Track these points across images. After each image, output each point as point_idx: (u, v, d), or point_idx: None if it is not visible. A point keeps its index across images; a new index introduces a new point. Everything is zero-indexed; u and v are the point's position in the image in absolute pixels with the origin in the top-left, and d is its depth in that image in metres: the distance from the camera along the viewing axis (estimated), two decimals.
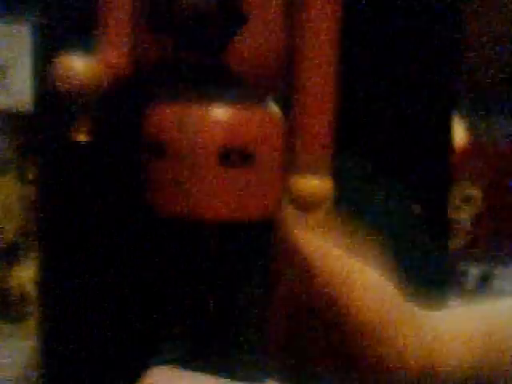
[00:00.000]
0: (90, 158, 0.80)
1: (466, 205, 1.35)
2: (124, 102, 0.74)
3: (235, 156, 0.71)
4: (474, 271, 1.30)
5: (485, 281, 1.31)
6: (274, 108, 0.74)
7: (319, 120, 0.71)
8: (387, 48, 1.10)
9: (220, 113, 0.71)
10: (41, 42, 0.91)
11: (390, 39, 1.09)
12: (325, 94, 0.71)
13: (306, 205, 0.72)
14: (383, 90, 1.11)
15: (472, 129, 1.34)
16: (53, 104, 0.73)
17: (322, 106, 0.71)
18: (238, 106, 0.71)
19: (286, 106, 0.72)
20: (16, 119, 0.92)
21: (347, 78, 0.73)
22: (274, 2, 0.69)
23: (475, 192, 1.36)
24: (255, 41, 0.69)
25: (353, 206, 0.84)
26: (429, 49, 1.12)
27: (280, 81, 0.72)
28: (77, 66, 0.68)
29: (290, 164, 0.72)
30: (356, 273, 0.77)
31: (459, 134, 1.38)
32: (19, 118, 0.91)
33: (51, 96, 0.71)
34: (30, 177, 0.93)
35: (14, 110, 0.90)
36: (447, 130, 1.19)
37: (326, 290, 0.75)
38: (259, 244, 0.76)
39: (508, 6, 1.30)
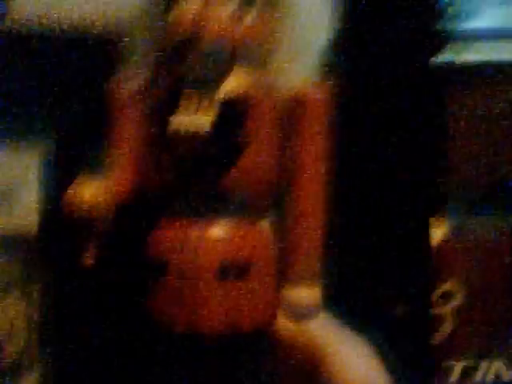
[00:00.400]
0: (95, 281, 0.84)
1: (447, 300, 1.38)
2: (129, 222, 0.80)
3: (233, 270, 0.76)
4: (458, 367, 1.32)
5: (469, 376, 1.34)
6: (267, 225, 0.80)
7: (309, 236, 0.78)
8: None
9: (218, 232, 0.77)
10: (48, 167, 0.97)
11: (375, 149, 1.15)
12: (315, 214, 0.78)
13: (297, 314, 0.77)
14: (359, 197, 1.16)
15: (453, 227, 1.39)
16: (60, 229, 0.77)
17: (312, 224, 0.78)
18: (235, 225, 0.77)
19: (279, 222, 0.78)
20: (21, 241, 0.97)
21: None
22: (269, 131, 0.77)
23: (457, 288, 1.39)
24: (251, 166, 0.76)
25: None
26: (409, 148, 1.17)
27: (273, 200, 0.78)
28: (87, 195, 0.73)
29: (282, 275, 0.78)
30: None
31: (440, 231, 1.43)
32: (24, 240, 0.96)
33: (59, 221, 0.76)
34: (35, 296, 0.97)
35: (20, 233, 0.96)
36: (427, 228, 1.23)
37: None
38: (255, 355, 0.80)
39: (493, 104, 1.36)
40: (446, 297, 1.33)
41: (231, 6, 0.74)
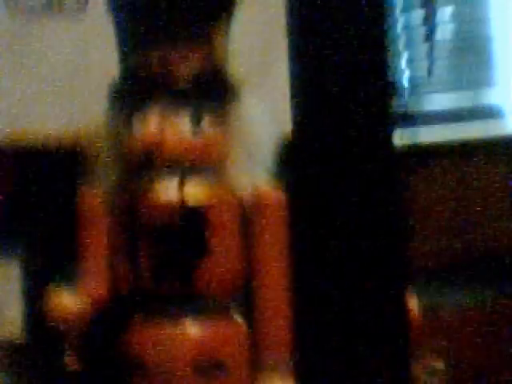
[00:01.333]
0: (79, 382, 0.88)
1: (429, 378, 1.40)
2: (105, 325, 0.84)
3: (207, 366, 0.81)
4: None
5: None
6: (238, 318, 0.85)
7: (277, 328, 0.83)
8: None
9: (191, 329, 0.81)
10: (30, 277, 1.03)
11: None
12: (280, 305, 0.83)
13: None
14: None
15: (428, 303, 1.41)
16: (43, 335, 0.82)
17: (279, 315, 0.83)
18: (206, 322, 0.82)
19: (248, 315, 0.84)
20: (9, 350, 1.01)
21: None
22: (232, 235, 0.83)
23: (438, 365, 1.41)
24: (218, 267, 0.81)
25: None
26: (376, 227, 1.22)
27: (240, 294, 0.84)
28: (64, 301, 0.78)
29: (255, 367, 0.83)
30: None
31: (416, 309, 1.45)
32: (12, 349, 1.00)
33: (41, 328, 0.81)
34: None
35: (7, 341, 1.00)
36: (402, 307, 1.26)
37: None
38: None
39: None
40: (430, 372, 1.37)
41: (183, 125, 0.81)
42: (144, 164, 0.80)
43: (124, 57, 0.84)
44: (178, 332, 0.81)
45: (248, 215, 0.83)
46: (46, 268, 0.99)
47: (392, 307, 1.23)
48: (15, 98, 1.10)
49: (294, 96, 1.10)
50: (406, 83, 1.48)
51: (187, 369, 0.80)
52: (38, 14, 1.12)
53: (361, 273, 1.17)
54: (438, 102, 1.48)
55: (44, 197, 1.05)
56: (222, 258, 0.82)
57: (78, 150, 0.85)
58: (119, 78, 0.85)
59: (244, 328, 0.84)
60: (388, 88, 1.23)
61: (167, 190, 0.80)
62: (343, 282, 1.16)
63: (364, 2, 1.17)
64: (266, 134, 0.85)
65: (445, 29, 1.47)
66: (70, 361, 0.79)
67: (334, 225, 1.14)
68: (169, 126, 0.80)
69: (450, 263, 1.44)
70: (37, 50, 1.11)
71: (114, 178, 0.84)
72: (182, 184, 0.80)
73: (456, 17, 1.48)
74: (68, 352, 0.79)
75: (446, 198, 1.41)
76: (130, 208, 0.81)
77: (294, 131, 1.11)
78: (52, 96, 1.10)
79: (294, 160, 1.00)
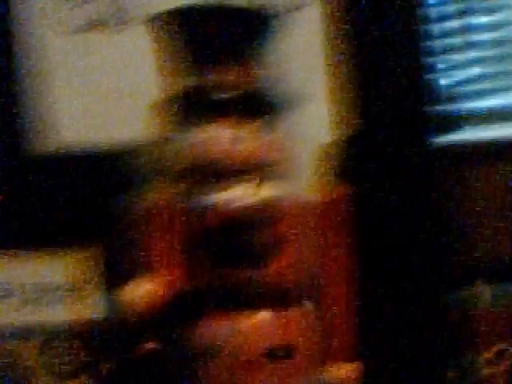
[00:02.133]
0: (156, 365, 0.92)
1: (499, 360, 1.40)
2: (181, 315, 0.88)
3: (280, 352, 0.84)
4: None
5: None
6: (310, 307, 0.88)
7: (344, 316, 0.87)
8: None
9: (264, 318, 0.85)
10: (112, 262, 1.08)
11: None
12: (347, 294, 0.87)
13: None
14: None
15: (492, 292, 1.41)
16: (122, 318, 0.86)
17: (345, 305, 0.87)
18: (279, 311, 0.85)
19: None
20: (89, 326, 1.06)
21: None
22: (302, 230, 0.86)
23: (507, 347, 1.40)
24: (290, 258, 0.85)
25: None
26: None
27: (313, 286, 0.86)
28: (141, 292, 0.82)
29: (324, 352, 0.86)
30: None
31: (485, 299, 1.45)
32: (92, 328, 1.05)
33: (121, 312, 0.84)
34: (104, 373, 1.05)
35: (88, 320, 1.05)
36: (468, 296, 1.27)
37: None
38: None
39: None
40: (499, 356, 1.37)
41: (231, 133, 0.84)
42: (213, 172, 0.84)
43: (172, 74, 0.88)
44: (252, 321, 0.85)
45: (316, 210, 0.87)
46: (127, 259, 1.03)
47: (458, 296, 1.24)
48: (65, 112, 1.16)
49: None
50: (444, 89, 1.48)
51: (260, 355, 0.84)
52: (82, 33, 1.16)
53: (424, 264, 1.19)
54: (476, 105, 1.47)
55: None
56: (294, 250, 0.85)
57: (130, 157, 0.88)
58: (168, 95, 0.88)
59: (314, 315, 0.87)
60: (426, 94, 1.24)
61: (244, 191, 0.84)
62: (407, 272, 1.18)
63: (400, 12, 1.18)
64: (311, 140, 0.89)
65: (482, 36, 1.47)
66: (147, 344, 0.82)
67: (394, 222, 1.17)
68: (235, 136, 0.84)
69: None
70: (84, 66, 1.16)
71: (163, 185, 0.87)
72: (257, 184, 0.84)
73: (493, 25, 1.47)
74: (144, 337, 0.82)
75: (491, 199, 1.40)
76: (204, 208, 0.85)
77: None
78: (101, 110, 1.15)
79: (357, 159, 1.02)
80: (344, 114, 1.16)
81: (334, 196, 0.87)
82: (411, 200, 1.17)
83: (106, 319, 1.05)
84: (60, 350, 1.06)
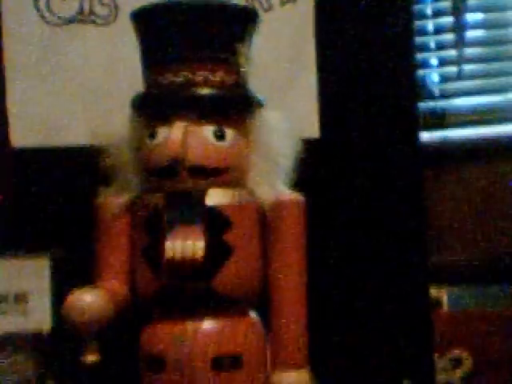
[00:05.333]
0: (99, 375, 0.91)
1: (455, 368, 1.41)
2: (125, 323, 0.87)
3: (226, 361, 0.84)
4: None
5: None
6: (256, 317, 0.88)
7: (294, 324, 0.86)
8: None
9: (210, 326, 0.84)
10: (59, 272, 1.07)
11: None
12: (297, 306, 0.86)
13: None
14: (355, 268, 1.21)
15: (456, 297, 1.42)
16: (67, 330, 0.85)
17: (296, 313, 0.86)
18: (226, 319, 0.85)
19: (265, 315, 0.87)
20: (35, 339, 1.04)
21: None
22: (252, 236, 0.86)
23: (464, 355, 1.41)
24: (239, 268, 0.84)
25: None
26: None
27: (259, 295, 0.86)
28: (84, 302, 0.81)
29: (272, 361, 0.85)
30: None
31: (442, 302, 1.46)
32: (38, 338, 1.04)
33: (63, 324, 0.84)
34: None
35: (34, 332, 1.03)
36: (427, 300, 1.27)
37: None
38: None
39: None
40: (456, 363, 1.38)
41: (206, 137, 0.84)
42: (168, 172, 0.83)
43: (148, 70, 0.87)
44: (197, 329, 0.84)
45: (267, 219, 0.86)
46: (74, 264, 1.02)
47: (418, 301, 1.24)
48: (44, 105, 1.14)
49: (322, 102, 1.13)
50: (435, 87, 1.49)
51: (206, 365, 0.83)
52: (70, 24, 1.15)
53: (382, 270, 1.19)
54: (467, 104, 1.49)
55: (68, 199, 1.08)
56: (242, 259, 0.85)
57: (102, 156, 0.87)
58: (144, 90, 0.88)
59: (260, 326, 0.87)
60: (417, 91, 1.25)
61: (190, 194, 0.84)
62: (364, 280, 1.18)
63: (392, 8, 1.18)
64: (287, 142, 0.87)
65: (474, 33, 1.49)
66: (90, 357, 0.82)
67: (356, 228, 1.17)
68: (193, 137, 0.83)
69: (478, 262, 1.43)
70: (66, 59, 1.15)
71: (135, 185, 0.87)
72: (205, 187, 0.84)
73: (485, 22, 1.49)
74: (87, 348, 0.81)
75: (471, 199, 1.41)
76: (153, 210, 0.85)
77: (321, 137, 1.14)
78: (79, 104, 1.14)
79: (319, 165, 1.02)
80: (333, 110, 1.17)
81: (290, 204, 0.87)
82: (397, 198, 1.18)
83: (52, 331, 1.04)
84: (3, 364, 1.04)
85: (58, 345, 1.03)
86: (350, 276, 1.18)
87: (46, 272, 1.05)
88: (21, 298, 1.06)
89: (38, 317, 1.04)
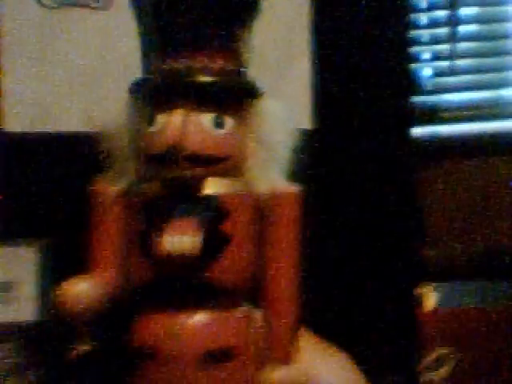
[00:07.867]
0: (89, 366, 0.90)
1: (439, 366, 1.41)
2: (116, 313, 0.86)
3: (217, 354, 0.82)
4: None
5: None
6: (249, 310, 0.86)
7: (285, 320, 0.85)
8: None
9: (202, 319, 0.83)
10: (46, 261, 1.05)
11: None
12: (290, 298, 0.85)
13: None
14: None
15: (441, 294, 1.42)
16: (56, 318, 0.83)
17: (288, 308, 0.85)
18: (217, 312, 0.84)
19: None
20: (19, 329, 1.03)
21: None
22: (247, 227, 0.84)
23: (448, 353, 1.41)
24: (236, 258, 0.83)
25: None
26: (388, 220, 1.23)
27: (252, 287, 0.85)
28: (78, 290, 0.80)
29: (264, 355, 0.84)
30: None
31: (429, 299, 1.46)
32: (22, 328, 1.02)
33: (55, 313, 0.82)
34: (32, 380, 1.02)
35: (19, 322, 1.02)
36: (412, 297, 1.27)
37: None
38: None
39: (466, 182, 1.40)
40: (439, 362, 1.37)
41: (205, 124, 0.83)
42: (166, 160, 0.82)
43: (147, 56, 0.86)
44: (189, 322, 0.83)
45: (264, 210, 0.85)
46: (62, 254, 1.00)
47: (404, 298, 1.24)
48: (39, 89, 1.11)
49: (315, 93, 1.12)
50: (427, 81, 1.49)
51: (198, 357, 0.82)
52: (66, 8, 1.12)
53: (372, 267, 1.18)
54: (459, 99, 1.48)
55: (62, 185, 1.06)
56: (239, 249, 0.84)
57: (98, 142, 0.86)
58: (143, 75, 0.86)
59: (255, 318, 0.85)
60: (409, 85, 1.24)
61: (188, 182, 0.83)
62: (355, 275, 1.17)
63: (387, 1, 1.18)
64: (285, 132, 0.86)
65: (468, 28, 1.48)
66: (80, 348, 0.80)
67: (350, 221, 1.16)
68: (191, 125, 0.82)
69: (470, 258, 1.43)
70: (63, 43, 1.12)
71: (131, 172, 0.85)
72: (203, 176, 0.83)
73: (479, 17, 1.49)
74: (78, 339, 0.80)
75: (464, 195, 1.41)
76: (149, 198, 0.83)
77: (314, 128, 1.12)
78: (75, 89, 1.11)
79: (313, 156, 1.01)
80: (326, 101, 1.15)
81: (286, 195, 0.86)
82: (391, 193, 1.17)
83: (40, 321, 1.02)
84: None
85: (41, 335, 1.01)
86: (340, 269, 1.17)
87: (34, 261, 1.04)
88: (6, 287, 1.03)
89: (23, 306, 1.02)
